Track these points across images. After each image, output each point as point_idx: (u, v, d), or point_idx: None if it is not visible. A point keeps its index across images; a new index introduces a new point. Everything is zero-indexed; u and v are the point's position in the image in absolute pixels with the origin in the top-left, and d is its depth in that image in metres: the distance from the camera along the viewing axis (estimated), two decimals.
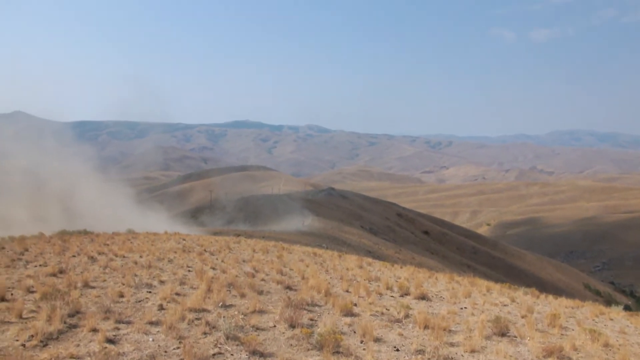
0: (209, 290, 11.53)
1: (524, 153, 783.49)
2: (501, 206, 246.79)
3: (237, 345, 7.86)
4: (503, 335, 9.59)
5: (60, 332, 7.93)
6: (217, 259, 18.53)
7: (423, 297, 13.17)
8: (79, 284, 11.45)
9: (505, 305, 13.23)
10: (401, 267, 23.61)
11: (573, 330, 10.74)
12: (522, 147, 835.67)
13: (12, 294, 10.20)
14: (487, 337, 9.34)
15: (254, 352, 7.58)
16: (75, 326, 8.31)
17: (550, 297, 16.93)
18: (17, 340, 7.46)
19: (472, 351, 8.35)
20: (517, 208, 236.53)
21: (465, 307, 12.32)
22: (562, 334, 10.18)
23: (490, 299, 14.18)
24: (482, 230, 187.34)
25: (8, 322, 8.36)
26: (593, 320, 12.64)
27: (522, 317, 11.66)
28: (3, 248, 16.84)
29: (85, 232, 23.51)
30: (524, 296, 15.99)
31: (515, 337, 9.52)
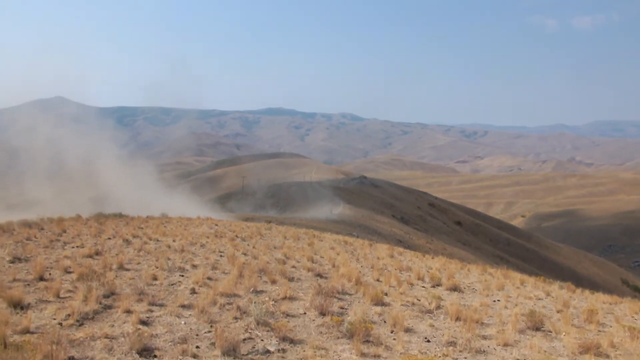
0: (241, 275, 11.61)
1: (562, 144, 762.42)
2: (537, 198, 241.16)
3: (268, 331, 7.87)
4: (537, 329, 9.33)
5: (96, 312, 8.10)
6: (248, 244, 18.69)
7: (455, 289, 12.96)
8: (114, 266, 11.70)
9: (539, 299, 12.89)
10: (432, 258, 23.36)
11: (611, 326, 10.36)
12: (560, 137, 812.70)
13: (50, 274, 10.49)
14: (521, 331, 9.10)
15: (284, 339, 7.57)
16: (110, 307, 8.48)
17: (587, 292, 16.44)
18: (55, 319, 7.65)
19: (505, 345, 8.14)
20: (554, 200, 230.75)
21: (498, 300, 12.06)
22: (599, 331, 9.84)
23: (524, 292, 13.85)
24: (517, 222, 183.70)
25: (46, 300, 8.60)
26: (632, 317, 12.17)
27: (558, 311, 11.32)
28: (42, 229, 17.37)
29: (120, 216, 24.03)
30: (560, 290, 15.55)
31: (550, 332, 9.24)
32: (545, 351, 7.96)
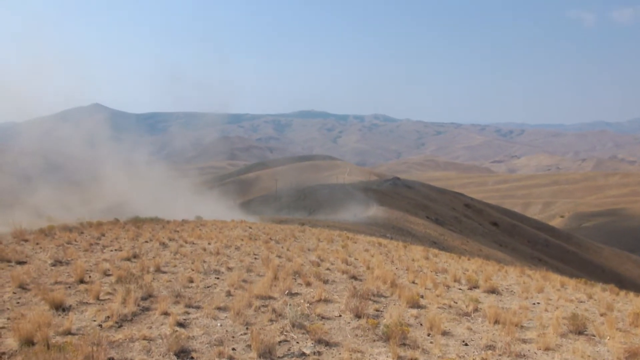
0: (275, 278, 11.63)
1: (603, 141, 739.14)
2: (576, 197, 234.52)
3: (303, 333, 7.84)
4: (580, 333, 9.00)
5: (134, 314, 8.23)
6: (282, 247, 18.75)
7: (493, 291, 12.66)
8: (152, 269, 11.90)
9: (581, 302, 12.46)
10: (469, 259, 22.93)
11: None
12: (601, 135, 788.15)
13: (90, 277, 10.73)
14: (563, 335, 8.80)
15: (319, 341, 7.53)
16: (147, 309, 8.60)
17: (631, 295, 15.81)
18: (95, 321, 7.81)
19: (547, 349, 7.88)
20: (594, 199, 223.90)
21: (538, 303, 11.71)
22: None
23: (565, 294, 13.41)
24: (555, 223, 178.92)
25: (86, 303, 8.79)
26: None
27: (601, 315, 10.91)
28: (82, 233, 17.83)
29: (157, 219, 24.49)
30: (602, 293, 15.01)
31: (594, 336, 8.90)
32: (589, 356, 7.67)
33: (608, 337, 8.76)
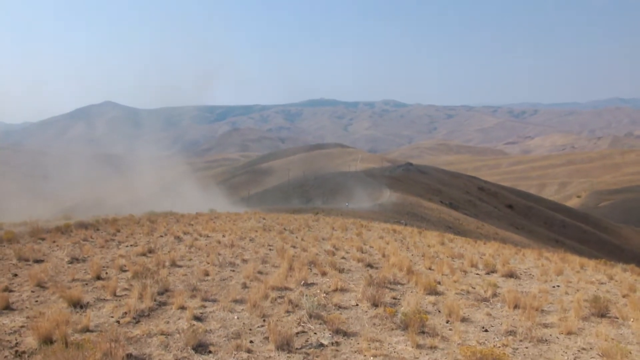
0: (291, 268, 11.60)
1: (619, 118, 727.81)
2: (593, 177, 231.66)
3: (320, 324, 7.79)
4: (602, 316, 8.83)
5: (151, 309, 8.24)
6: (297, 237, 18.73)
7: (511, 275, 12.52)
8: (167, 263, 11.94)
9: (602, 284, 12.27)
10: (485, 243, 22.73)
11: None
12: (616, 112, 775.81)
13: (106, 273, 10.80)
14: (585, 318, 8.64)
15: (337, 331, 7.47)
16: (164, 304, 8.62)
17: None
18: (112, 317, 7.83)
19: (569, 333, 7.74)
20: (612, 178, 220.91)
21: (558, 286, 11.54)
22: None
23: (585, 276, 13.22)
24: (572, 203, 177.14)
25: (104, 299, 8.83)
26: None
27: (623, 296, 10.71)
28: (98, 229, 17.96)
29: (171, 213, 24.61)
30: (623, 273, 14.75)
31: (617, 318, 8.72)
32: (612, 339, 7.52)
33: (632, 319, 8.58)
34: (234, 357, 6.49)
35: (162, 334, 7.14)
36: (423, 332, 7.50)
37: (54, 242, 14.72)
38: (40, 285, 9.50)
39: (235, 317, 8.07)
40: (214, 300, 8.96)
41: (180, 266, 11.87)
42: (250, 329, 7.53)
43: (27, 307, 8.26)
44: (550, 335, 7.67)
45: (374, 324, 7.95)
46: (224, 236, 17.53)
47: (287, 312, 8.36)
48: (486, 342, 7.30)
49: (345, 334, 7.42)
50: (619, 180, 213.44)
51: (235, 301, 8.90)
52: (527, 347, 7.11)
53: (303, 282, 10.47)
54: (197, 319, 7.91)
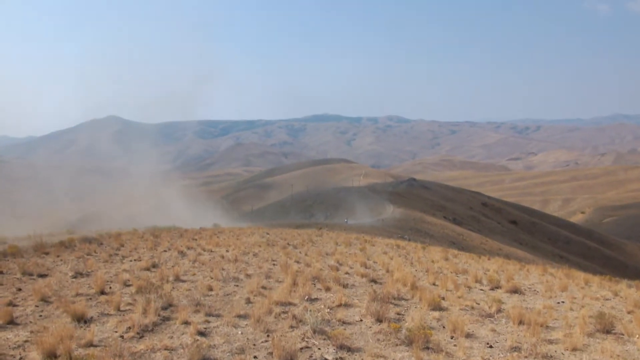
0: (294, 283, 11.57)
1: (622, 135, 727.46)
2: (596, 193, 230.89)
3: (324, 339, 7.75)
4: (608, 332, 8.77)
5: (155, 324, 8.22)
6: (300, 252, 18.70)
7: (515, 291, 12.45)
8: (171, 278, 11.92)
9: (607, 300, 12.19)
10: (489, 259, 22.66)
11: None
12: (620, 128, 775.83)
13: (110, 287, 10.78)
14: (590, 335, 8.58)
15: (341, 347, 7.43)
16: (168, 319, 8.59)
17: None
18: (116, 332, 7.81)
19: (574, 349, 7.68)
20: (615, 194, 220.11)
21: (563, 302, 11.48)
22: None
23: (590, 292, 13.14)
24: (576, 219, 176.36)
25: (107, 314, 8.81)
26: None
27: (628, 312, 10.64)
28: (101, 244, 17.97)
29: (174, 228, 24.63)
30: (628, 289, 14.65)
31: (622, 334, 8.66)
32: (618, 355, 7.46)
33: (637, 336, 8.52)
34: None
35: (166, 349, 7.11)
36: (427, 348, 7.46)
37: (58, 256, 14.73)
38: (44, 300, 9.49)
39: (239, 332, 8.04)
40: (218, 315, 8.93)
41: (184, 281, 11.86)
42: (254, 344, 7.49)
43: (31, 322, 8.24)
44: (555, 351, 7.61)
45: (378, 340, 7.91)
46: (227, 251, 17.52)
47: (291, 327, 8.32)
48: (491, 358, 7.25)
49: (350, 350, 7.38)
50: (623, 196, 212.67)
51: (239, 316, 8.87)
52: None
53: (307, 297, 10.44)
54: (201, 334, 7.87)
